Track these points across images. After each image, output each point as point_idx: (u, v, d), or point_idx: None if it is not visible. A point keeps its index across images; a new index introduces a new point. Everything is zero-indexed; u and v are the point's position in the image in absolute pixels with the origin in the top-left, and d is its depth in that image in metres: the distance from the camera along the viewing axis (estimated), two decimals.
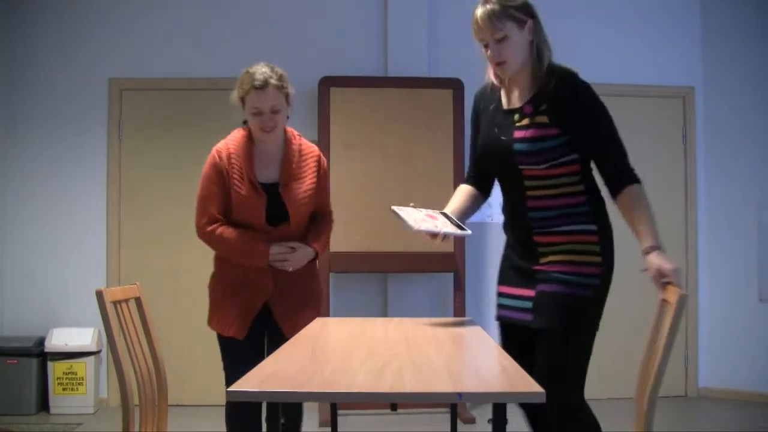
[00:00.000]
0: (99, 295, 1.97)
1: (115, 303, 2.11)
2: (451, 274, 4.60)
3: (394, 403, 2.31)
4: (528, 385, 1.41)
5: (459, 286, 4.52)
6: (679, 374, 5.01)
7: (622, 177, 2.06)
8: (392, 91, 4.62)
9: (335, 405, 2.51)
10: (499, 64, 2.14)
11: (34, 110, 4.91)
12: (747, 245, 4.97)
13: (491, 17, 2.07)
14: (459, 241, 4.53)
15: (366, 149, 4.58)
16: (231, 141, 2.58)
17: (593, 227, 2.11)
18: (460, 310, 4.48)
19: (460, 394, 1.35)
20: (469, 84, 4.67)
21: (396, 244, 4.51)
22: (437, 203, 4.48)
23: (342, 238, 4.49)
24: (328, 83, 4.58)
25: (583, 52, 5.08)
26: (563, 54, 5.76)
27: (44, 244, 4.86)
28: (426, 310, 4.62)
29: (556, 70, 2.13)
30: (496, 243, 4.94)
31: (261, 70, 2.48)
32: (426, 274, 4.70)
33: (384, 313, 4.69)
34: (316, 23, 4.99)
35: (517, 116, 2.14)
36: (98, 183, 4.89)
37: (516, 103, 2.17)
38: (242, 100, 2.49)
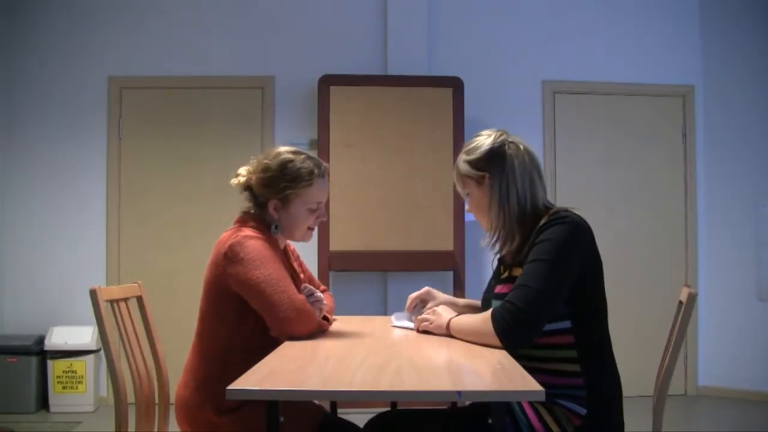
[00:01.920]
0: (93, 293, 1.97)
1: (111, 302, 2.10)
2: (451, 273, 4.60)
3: (393, 401, 2.32)
4: (527, 383, 1.41)
5: (459, 285, 4.52)
6: (678, 373, 5.01)
7: (500, 306, 1.79)
8: (392, 89, 4.62)
9: (335, 403, 2.51)
10: (477, 219, 2.03)
11: (34, 109, 4.91)
12: (746, 244, 4.97)
13: (456, 175, 2.02)
14: (459, 239, 4.54)
15: (366, 148, 4.58)
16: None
17: (583, 411, 1.78)
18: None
19: (459, 393, 1.35)
20: (469, 82, 4.68)
21: (396, 242, 4.52)
22: (437, 201, 4.52)
23: (342, 237, 4.50)
24: (328, 82, 4.58)
25: (583, 51, 5.09)
26: (563, 53, 5.79)
27: (44, 243, 4.86)
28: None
29: (547, 214, 1.89)
30: None
31: (308, 155, 2.15)
32: (426, 273, 4.69)
33: (384, 311, 4.69)
34: (316, 22, 4.99)
35: (502, 267, 2.01)
36: (98, 182, 4.89)
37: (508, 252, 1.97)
38: (288, 197, 2.10)
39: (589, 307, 1.84)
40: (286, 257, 2.22)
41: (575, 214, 1.87)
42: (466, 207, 2.05)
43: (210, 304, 2.05)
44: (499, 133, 1.97)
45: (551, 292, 1.75)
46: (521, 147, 1.95)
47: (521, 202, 1.91)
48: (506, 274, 1.95)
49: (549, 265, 1.76)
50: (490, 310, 1.81)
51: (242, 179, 2.15)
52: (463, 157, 1.99)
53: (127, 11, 4.95)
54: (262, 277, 1.93)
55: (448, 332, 2.00)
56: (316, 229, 4.62)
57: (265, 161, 2.12)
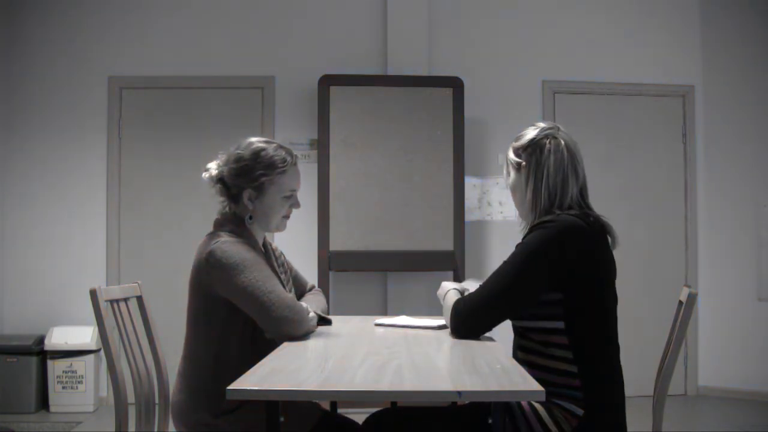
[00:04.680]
0: (93, 293, 1.97)
1: (111, 302, 2.10)
2: (451, 273, 4.60)
3: (393, 401, 2.32)
4: (527, 383, 1.41)
5: None
6: (678, 373, 5.02)
7: (460, 299, 1.95)
8: (392, 89, 4.62)
9: (335, 403, 2.51)
10: None
11: (34, 109, 4.91)
12: (746, 244, 4.98)
13: (505, 156, 2.09)
14: (459, 239, 4.54)
15: (366, 148, 4.57)
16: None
17: (580, 412, 1.79)
18: None
19: (459, 393, 1.35)
20: (469, 83, 4.68)
21: (396, 242, 4.52)
22: (436, 201, 4.52)
23: (342, 237, 4.50)
24: (328, 82, 4.58)
25: (583, 51, 5.09)
26: (563, 53, 5.79)
27: (44, 243, 4.86)
28: (426, 308, 4.63)
29: (551, 211, 1.93)
30: (496, 241, 4.95)
31: (279, 144, 2.17)
32: (426, 273, 4.69)
33: (384, 311, 4.69)
34: (316, 22, 4.99)
35: None
36: (98, 182, 4.89)
37: None
38: (263, 184, 2.10)
39: (584, 312, 1.83)
40: (267, 256, 2.20)
41: (574, 217, 1.86)
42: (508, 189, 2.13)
43: (197, 310, 2.05)
44: (549, 126, 2.00)
45: (502, 297, 1.85)
46: (562, 143, 1.96)
47: (551, 197, 1.93)
48: None
49: (510, 268, 1.86)
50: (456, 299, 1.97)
51: (213, 172, 2.14)
52: (510, 144, 2.06)
53: (128, 11, 4.95)
54: (247, 282, 1.92)
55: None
56: (315, 228, 4.63)
57: (238, 151, 2.11)
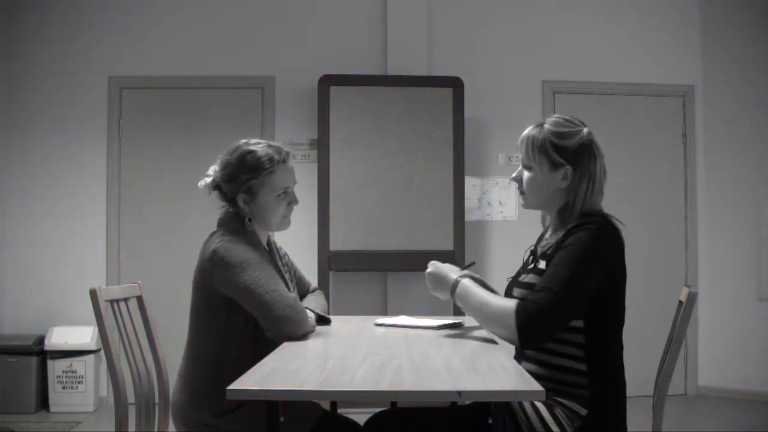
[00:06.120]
0: (93, 293, 1.97)
1: (111, 302, 2.10)
2: None
3: (393, 401, 2.32)
4: (527, 383, 1.41)
5: None
6: (679, 373, 5.01)
7: (522, 303, 1.75)
8: (392, 89, 4.62)
9: (335, 403, 2.51)
10: (519, 190, 2.00)
11: (34, 109, 4.91)
12: (746, 244, 4.97)
13: (527, 142, 1.93)
14: (459, 239, 4.54)
15: (366, 148, 4.57)
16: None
17: (583, 411, 1.79)
18: (459, 309, 4.47)
19: (459, 393, 1.35)
20: (469, 83, 4.68)
21: (396, 242, 4.52)
22: (436, 201, 4.51)
23: (342, 237, 4.50)
24: (327, 82, 4.58)
25: (583, 51, 5.09)
26: (563, 53, 5.78)
27: (44, 243, 4.86)
28: (426, 308, 4.63)
29: (585, 214, 1.87)
30: (496, 241, 4.95)
31: (268, 143, 2.15)
32: None
33: (384, 311, 4.69)
34: (316, 22, 5.00)
35: (531, 257, 2.03)
36: (98, 182, 4.89)
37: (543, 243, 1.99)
38: (253, 187, 2.09)
39: (605, 313, 1.84)
40: (271, 255, 2.20)
41: (607, 219, 1.86)
42: (522, 182, 1.98)
43: (199, 309, 2.05)
44: (588, 128, 1.92)
45: (571, 300, 1.75)
46: (602, 150, 1.92)
47: (588, 204, 1.89)
48: (533, 266, 1.96)
49: (570, 270, 1.75)
50: (512, 303, 1.76)
51: (209, 179, 2.14)
52: (549, 135, 1.90)
53: (128, 11, 4.95)
54: (250, 280, 1.93)
55: (451, 294, 1.95)
56: (315, 228, 4.62)
57: (226, 157, 2.12)
